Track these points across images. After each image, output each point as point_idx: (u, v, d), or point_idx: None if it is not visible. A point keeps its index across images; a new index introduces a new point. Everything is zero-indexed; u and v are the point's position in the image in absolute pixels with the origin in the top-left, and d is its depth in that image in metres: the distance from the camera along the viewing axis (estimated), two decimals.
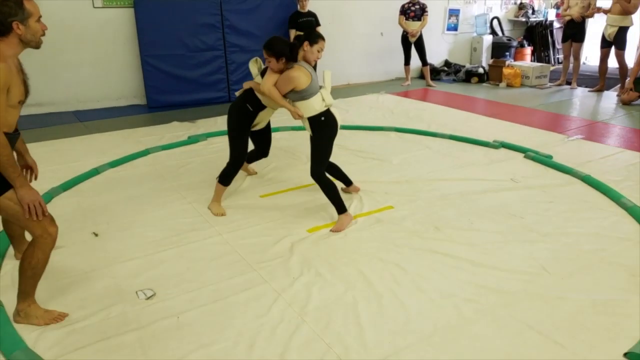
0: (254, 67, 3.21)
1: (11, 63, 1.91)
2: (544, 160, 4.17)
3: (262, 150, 3.75)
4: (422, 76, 8.12)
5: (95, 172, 3.98)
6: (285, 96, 3.00)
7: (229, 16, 6.54)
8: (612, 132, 5.26)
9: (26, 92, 2.03)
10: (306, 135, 4.20)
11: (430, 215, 3.24)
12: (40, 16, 1.96)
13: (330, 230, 3.04)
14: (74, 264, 2.62)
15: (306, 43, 2.95)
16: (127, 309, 2.25)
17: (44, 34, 1.99)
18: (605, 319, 2.19)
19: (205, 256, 2.74)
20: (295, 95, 2.96)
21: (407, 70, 7.90)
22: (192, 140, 4.89)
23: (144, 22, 6.17)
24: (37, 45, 1.98)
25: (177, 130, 5.33)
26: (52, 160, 4.25)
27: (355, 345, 2.02)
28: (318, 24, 6.60)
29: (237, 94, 3.32)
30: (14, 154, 2.06)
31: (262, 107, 3.24)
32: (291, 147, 4.67)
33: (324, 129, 3.05)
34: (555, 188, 3.66)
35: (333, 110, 3.11)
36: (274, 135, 5.13)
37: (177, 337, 2.07)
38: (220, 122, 5.63)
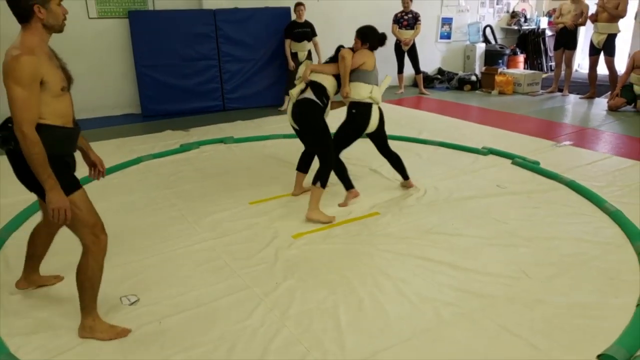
0: (304, 66, 3.47)
1: (40, 52, 1.84)
2: (531, 166, 4.21)
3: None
4: (415, 84, 8.19)
5: (87, 179, 4.01)
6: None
7: (223, 26, 6.61)
8: (601, 138, 5.31)
9: (67, 76, 1.98)
10: (296, 143, 4.25)
11: (416, 221, 3.28)
12: None
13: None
14: (60, 270, 2.65)
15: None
16: (110, 314, 2.27)
17: (65, 18, 1.93)
18: (582, 321, 2.22)
19: (190, 262, 2.77)
20: (356, 73, 3.35)
21: (400, 79, 7.98)
22: (185, 148, 4.94)
23: (139, 32, 6.24)
24: (60, 29, 1.93)
25: (170, 138, 5.38)
26: None
27: (334, 348, 2.05)
28: (314, 34, 6.68)
29: (297, 82, 3.46)
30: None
31: (329, 99, 3.39)
32: (282, 154, 4.72)
33: (351, 120, 3.43)
34: (540, 194, 3.70)
35: (374, 110, 3.40)
36: (265, 142, 5.24)
37: (158, 341, 2.11)
38: (214, 131, 5.69)
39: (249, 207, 3.57)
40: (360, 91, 3.36)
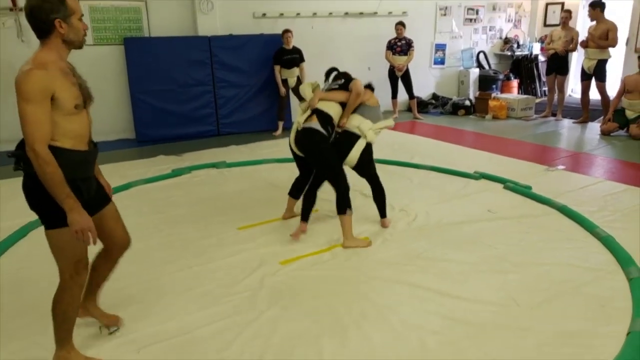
0: (309, 88, 3.46)
1: (53, 67, 1.77)
2: (523, 191, 4.19)
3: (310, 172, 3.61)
4: (409, 109, 8.24)
5: None
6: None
7: (218, 52, 6.69)
8: (594, 162, 5.30)
9: (84, 94, 1.88)
10: (288, 168, 4.24)
11: (405, 246, 3.25)
12: (82, 15, 1.87)
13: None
14: (43, 298, 2.59)
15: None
16: (88, 343, 2.22)
17: (85, 34, 1.89)
18: (571, 350, 2.17)
19: (174, 289, 2.73)
20: (360, 107, 3.42)
21: (394, 104, 8.04)
22: (176, 173, 4.93)
23: (134, 59, 6.31)
24: (80, 45, 1.87)
25: (163, 163, 5.38)
26: None
27: None
28: (302, 60, 6.75)
29: (301, 106, 3.48)
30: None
31: (334, 128, 3.39)
32: (273, 179, 4.71)
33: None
34: (531, 218, 3.66)
35: (359, 144, 3.32)
36: (257, 167, 5.23)
37: None
38: (207, 156, 5.69)
39: (238, 232, 3.54)
40: (352, 121, 3.38)
